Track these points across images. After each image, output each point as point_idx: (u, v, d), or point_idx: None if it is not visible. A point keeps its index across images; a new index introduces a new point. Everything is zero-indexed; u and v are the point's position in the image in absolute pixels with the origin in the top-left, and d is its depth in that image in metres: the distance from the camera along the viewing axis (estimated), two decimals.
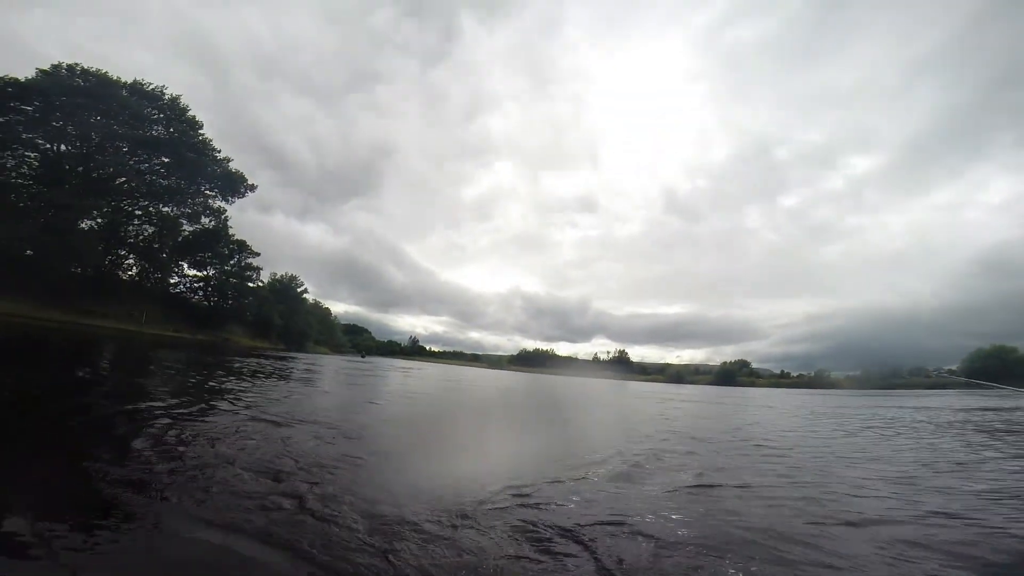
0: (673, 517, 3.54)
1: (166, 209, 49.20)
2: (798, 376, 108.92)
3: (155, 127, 46.51)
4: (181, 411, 6.04)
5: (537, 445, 6.68)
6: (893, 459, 6.70)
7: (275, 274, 72.19)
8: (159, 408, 6.10)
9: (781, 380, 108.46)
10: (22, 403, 5.89)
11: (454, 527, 2.99)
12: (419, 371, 34.87)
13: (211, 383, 10.29)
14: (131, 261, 48.67)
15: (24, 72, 39.60)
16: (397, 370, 31.44)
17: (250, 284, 56.84)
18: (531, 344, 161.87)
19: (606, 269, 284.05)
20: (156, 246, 48.28)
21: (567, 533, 3.05)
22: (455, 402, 14.20)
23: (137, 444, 4.29)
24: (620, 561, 2.68)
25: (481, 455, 5.71)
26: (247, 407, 7.05)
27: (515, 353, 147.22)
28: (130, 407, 6.08)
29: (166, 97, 46.83)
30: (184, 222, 50.49)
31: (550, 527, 3.12)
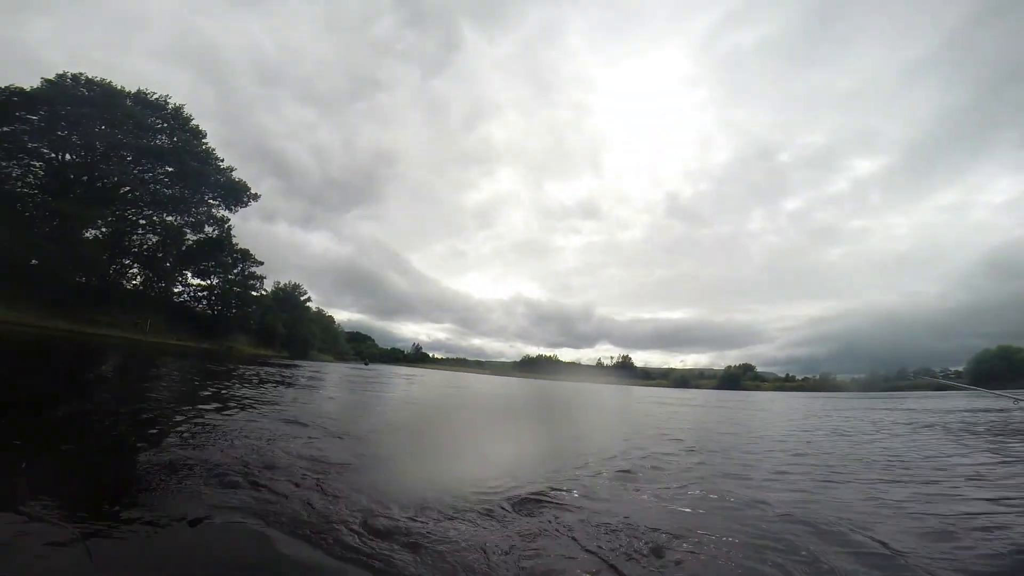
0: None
1: (170, 218, 49.59)
2: (803, 379, 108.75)
3: (159, 136, 47.01)
4: (196, 414, 6.12)
5: (535, 448, 6.74)
6: (820, 455, 7.02)
7: (279, 283, 72.67)
8: (181, 411, 6.18)
9: (786, 383, 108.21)
10: (57, 405, 5.98)
11: (451, 521, 3.05)
12: (423, 378, 34.89)
13: (222, 390, 10.38)
14: (135, 270, 49.11)
15: (28, 81, 40.24)
16: (401, 377, 31.50)
17: (254, 293, 57.19)
18: (534, 351, 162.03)
19: (609, 275, 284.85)
20: (160, 255, 48.63)
21: (563, 532, 3.11)
22: (460, 407, 14.25)
23: (157, 443, 4.37)
24: (620, 559, 2.74)
25: (485, 457, 5.77)
26: (260, 411, 7.13)
27: (518, 360, 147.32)
28: (138, 410, 6.17)
29: (170, 106, 47.36)
30: (188, 231, 50.94)
31: (549, 524, 3.19)
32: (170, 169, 47.71)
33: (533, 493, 3.97)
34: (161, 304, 48.43)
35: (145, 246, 48.56)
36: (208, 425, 5.79)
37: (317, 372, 24.77)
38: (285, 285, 73.44)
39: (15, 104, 38.88)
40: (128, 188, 46.13)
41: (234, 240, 54.05)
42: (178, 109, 47.75)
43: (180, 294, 52.94)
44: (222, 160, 50.74)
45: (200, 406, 7.23)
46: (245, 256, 55.28)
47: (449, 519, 3.20)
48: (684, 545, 3.00)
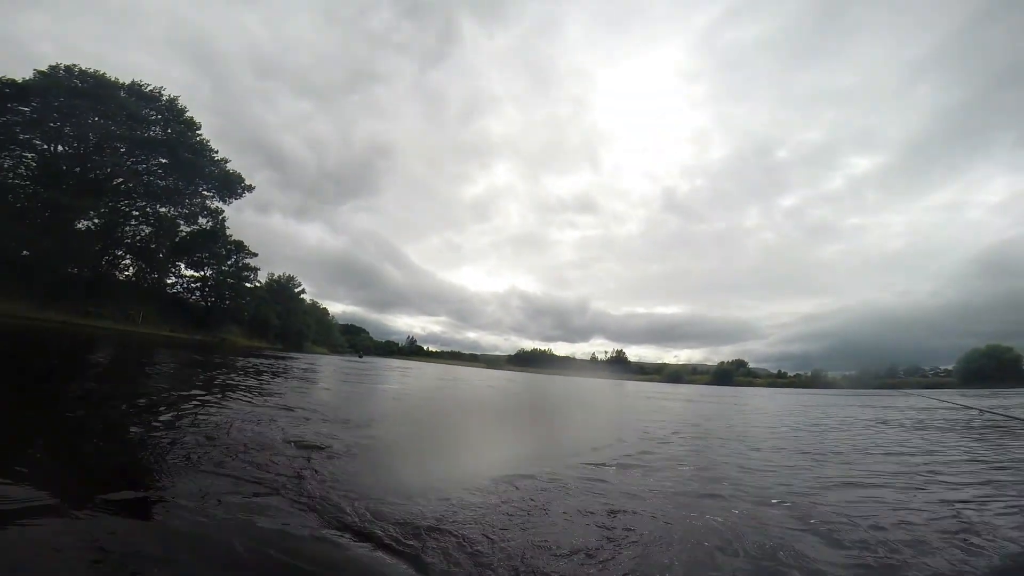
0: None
1: (163, 209, 49.29)
2: (795, 376, 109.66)
3: (153, 128, 46.66)
4: (196, 403, 6.33)
5: (525, 440, 6.99)
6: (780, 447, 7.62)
7: (273, 274, 72.37)
8: (181, 400, 6.39)
9: (778, 380, 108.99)
10: (67, 397, 6.17)
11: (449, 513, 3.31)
12: (417, 370, 35.13)
13: (219, 379, 10.61)
14: (128, 261, 48.82)
15: (21, 73, 39.80)
16: (395, 370, 31.69)
17: (247, 284, 57.04)
18: (529, 344, 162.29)
19: (604, 269, 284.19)
20: (153, 246, 48.39)
21: (556, 524, 3.38)
22: (453, 399, 14.51)
23: (153, 429, 4.59)
24: (611, 554, 3.01)
25: (477, 449, 6.03)
26: (258, 401, 7.35)
27: (513, 353, 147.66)
28: (136, 401, 6.37)
29: (164, 98, 47.02)
30: (181, 222, 50.69)
31: (542, 514, 3.46)
32: (164, 160, 47.40)
33: (523, 483, 4.25)
34: (154, 295, 48.31)
35: (138, 237, 48.30)
36: (205, 413, 6.01)
37: (312, 364, 24.95)
38: (279, 277, 73.28)
39: (7, 95, 38.45)
40: (121, 179, 45.81)
41: (228, 231, 53.90)
42: (172, 101, 47.44)
43: (173, 285, 52.82)
44: (216, 151, 50.51)
45: (194, 391, 7.45)
46: (239, 247, 55.11)
47: (442, 512, 3.46)
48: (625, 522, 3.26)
